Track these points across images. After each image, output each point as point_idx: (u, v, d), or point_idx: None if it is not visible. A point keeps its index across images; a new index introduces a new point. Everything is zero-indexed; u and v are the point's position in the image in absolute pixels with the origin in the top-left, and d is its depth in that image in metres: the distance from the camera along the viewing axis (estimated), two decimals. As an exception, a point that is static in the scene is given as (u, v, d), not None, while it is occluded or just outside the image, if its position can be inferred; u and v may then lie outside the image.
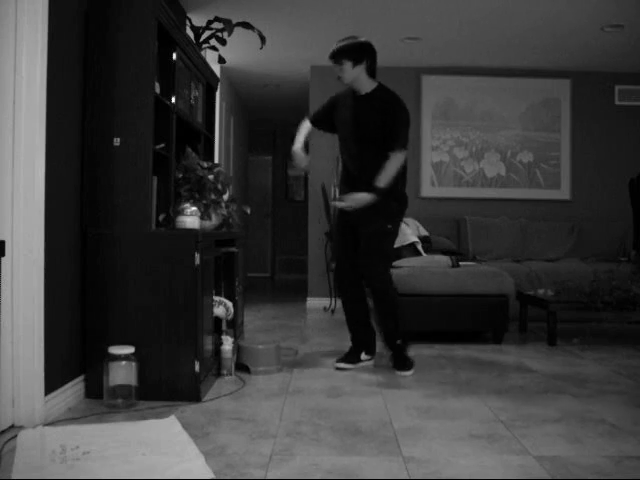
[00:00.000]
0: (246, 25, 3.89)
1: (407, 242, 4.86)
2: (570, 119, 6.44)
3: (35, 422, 2.47)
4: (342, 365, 3.62)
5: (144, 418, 2.60)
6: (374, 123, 3.45)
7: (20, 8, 2.42)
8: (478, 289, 4.44)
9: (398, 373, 3.49)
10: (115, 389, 2.75)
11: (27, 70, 2.44)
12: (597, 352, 4.19)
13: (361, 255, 3.52)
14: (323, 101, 3.78)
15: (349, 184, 3.58)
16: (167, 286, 2.87)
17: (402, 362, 3.54)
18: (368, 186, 3.38)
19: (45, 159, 2.52)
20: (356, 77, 3.47)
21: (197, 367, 2.88)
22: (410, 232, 5.00)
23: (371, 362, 3.70)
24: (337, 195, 3.66)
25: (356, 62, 3.44)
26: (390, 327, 3.54)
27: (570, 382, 3.34)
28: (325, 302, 6.45)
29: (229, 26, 3.71)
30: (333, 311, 6.13)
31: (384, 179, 3.37)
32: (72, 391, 2.81)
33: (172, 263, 2.87)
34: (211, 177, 3.37)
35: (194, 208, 3.16)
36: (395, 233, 3.58)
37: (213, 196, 3.38)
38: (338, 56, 3.45)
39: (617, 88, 6.48)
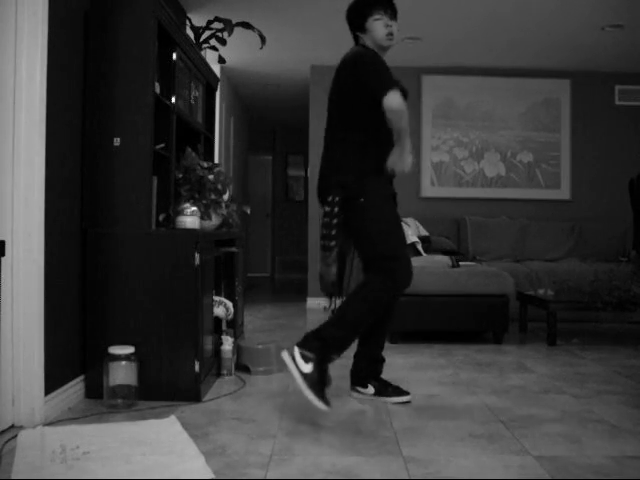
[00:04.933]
0: (246, 25, 3.89)
1: (407, 242, 4.86)
2: (570, 119, 6.44)
3: (35, 422, 2.47)
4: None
5: (144, 418, 2.60)
6: None
7: (20, 8, 2.42)
8: (478, 289, 4.44)
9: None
10: (115, 389, 2.75)
11: (27, 70, 2.44)
12: (597, 352, 4.19)
13: None
14: (325, 100, 2.99)
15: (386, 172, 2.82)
16: (167, 286, 2.87)
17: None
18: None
19: (45, 159, 2.52)
20: None
21: (197, 367, 2.88)
22: (410, 232, 5.00)
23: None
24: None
25: None
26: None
27: (570, 382, 3.34)
28: (325, 302, 6.45)
29: (229, 26, 3.71)
30: (333, 311, 6.13)
31: None
32: (72, 391, 2.80)
33: (172, 263, 2.87)
34: (211, 177, 3.38)
35: (194, 208, 3.16)
36: None
37: (213, 196, 3.38)
38: (396, 12, 2.90)
39: (617, 88, 6.48)
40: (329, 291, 2.98)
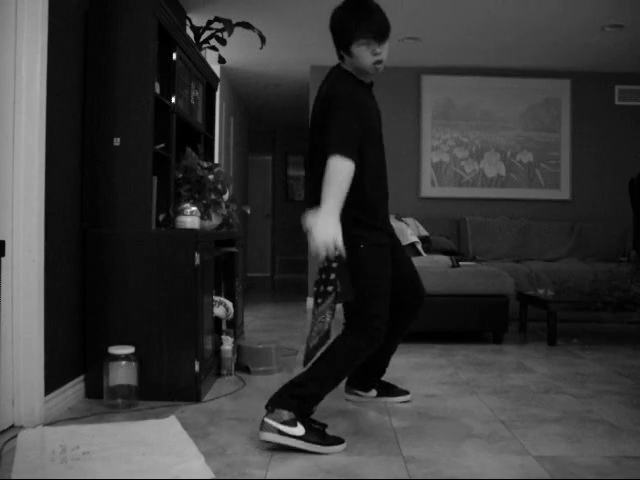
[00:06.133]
0: (246, 25, 3.89)
1: (407, 242, 4.86)
2: (570, 119, 6.44)
3: (35, 422, 2.47)
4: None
5: (144, 418, 2.60)
6: None
7: (20, 8, 2.42)
8: (478, 289, 4.44)
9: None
10: (115, 389, 2.75)
11: (27, 70, 2.44)
12: (597, 352, 4.19)
13: (418, 275, 2.77)
14: None
15: (385, 210, 2.61)
16: (167, 286, 2.87)
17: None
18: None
19: (45, 159, 2.52)
20: None
21: (197, 367, 2.88)
22: (410, 232, 5.00)
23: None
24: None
25: None
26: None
27: (570, 382, 3.34)
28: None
29: (229, 26, 3.71)
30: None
31: None
32: (72, 391, 2.80)
33: (172, 263, 2.87)
34: (211, 177, 3.38)
35: (194, 208, 3.16)
36: None
37: (213, 196, 3.38)
38: (388, 32, 2.41)
39: (617, 88, 6.48)
40: (314, 346, 2.35)
